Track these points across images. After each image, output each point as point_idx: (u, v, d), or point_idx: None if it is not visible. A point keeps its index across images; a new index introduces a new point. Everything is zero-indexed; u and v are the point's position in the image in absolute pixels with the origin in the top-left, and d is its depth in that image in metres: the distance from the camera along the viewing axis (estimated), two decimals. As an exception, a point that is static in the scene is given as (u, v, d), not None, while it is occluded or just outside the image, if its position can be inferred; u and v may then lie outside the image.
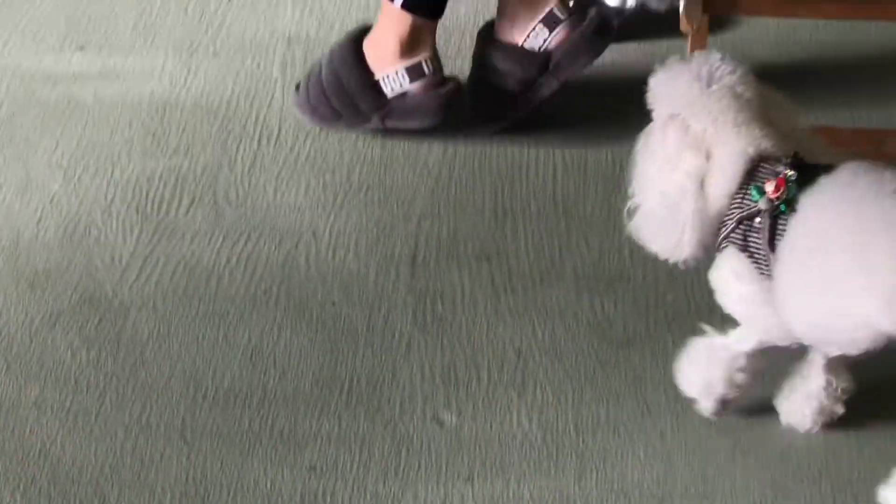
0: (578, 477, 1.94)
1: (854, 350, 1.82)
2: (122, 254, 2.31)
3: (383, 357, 2.12)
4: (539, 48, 2.45)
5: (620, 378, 2.09)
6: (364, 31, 2.48)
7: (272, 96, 2.62)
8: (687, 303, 2.19)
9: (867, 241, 1.75)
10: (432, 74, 2.43)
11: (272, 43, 2.75)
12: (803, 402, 1.98)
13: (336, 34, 2.73)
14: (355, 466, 1.96)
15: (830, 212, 1.80)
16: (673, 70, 1.95)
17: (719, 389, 1.97)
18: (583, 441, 1.99)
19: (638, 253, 2.27)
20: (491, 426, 2.01)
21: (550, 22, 2.45)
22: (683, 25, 1.97)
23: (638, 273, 2.25)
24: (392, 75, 2.42)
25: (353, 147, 2.51)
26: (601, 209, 2.37)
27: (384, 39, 2.43)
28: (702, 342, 1.98)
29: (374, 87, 2.44)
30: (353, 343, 2.15)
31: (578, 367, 2.11)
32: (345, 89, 2.45)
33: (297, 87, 2.53)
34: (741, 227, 1.85)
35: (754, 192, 1.83)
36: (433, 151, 2.49)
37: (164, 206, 2.41)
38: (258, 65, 2.70)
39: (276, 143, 2.53)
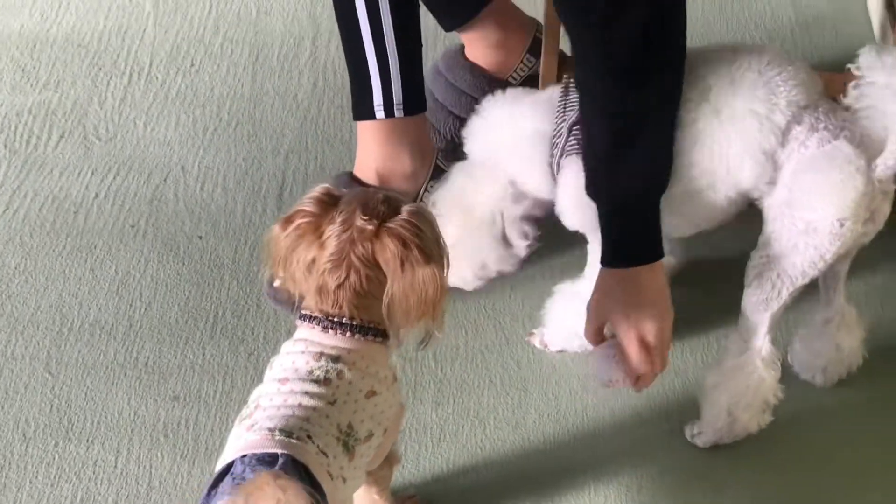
0: (436, 405, 1.99)
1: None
2: (-10, 188, 2.32)
3: (248, 289, 2.16)
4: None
5: (479, 309, 2.14)
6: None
7: (144, 31, 2.62)
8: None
9: None
10: None
11: (145, -23, 2.75)
12: None
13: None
14: (218, 395, 2.00)
15: None
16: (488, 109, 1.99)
17: None
18: (441, 370, 2.04)
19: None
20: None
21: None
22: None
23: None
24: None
25: (223, 82, 2.53)
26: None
27: None
28: (565, 291, 2.04)
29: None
30: (218, 276, 2.18)
31: (439, 298, 2.15)
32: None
33: None
34: (572, 135, 1.89)
35: None
36: (303, 86, 2.52)
37: (34, 141, 2.41)
38: (130, -1, 2.71)
39: (146, 78, 2.54)
